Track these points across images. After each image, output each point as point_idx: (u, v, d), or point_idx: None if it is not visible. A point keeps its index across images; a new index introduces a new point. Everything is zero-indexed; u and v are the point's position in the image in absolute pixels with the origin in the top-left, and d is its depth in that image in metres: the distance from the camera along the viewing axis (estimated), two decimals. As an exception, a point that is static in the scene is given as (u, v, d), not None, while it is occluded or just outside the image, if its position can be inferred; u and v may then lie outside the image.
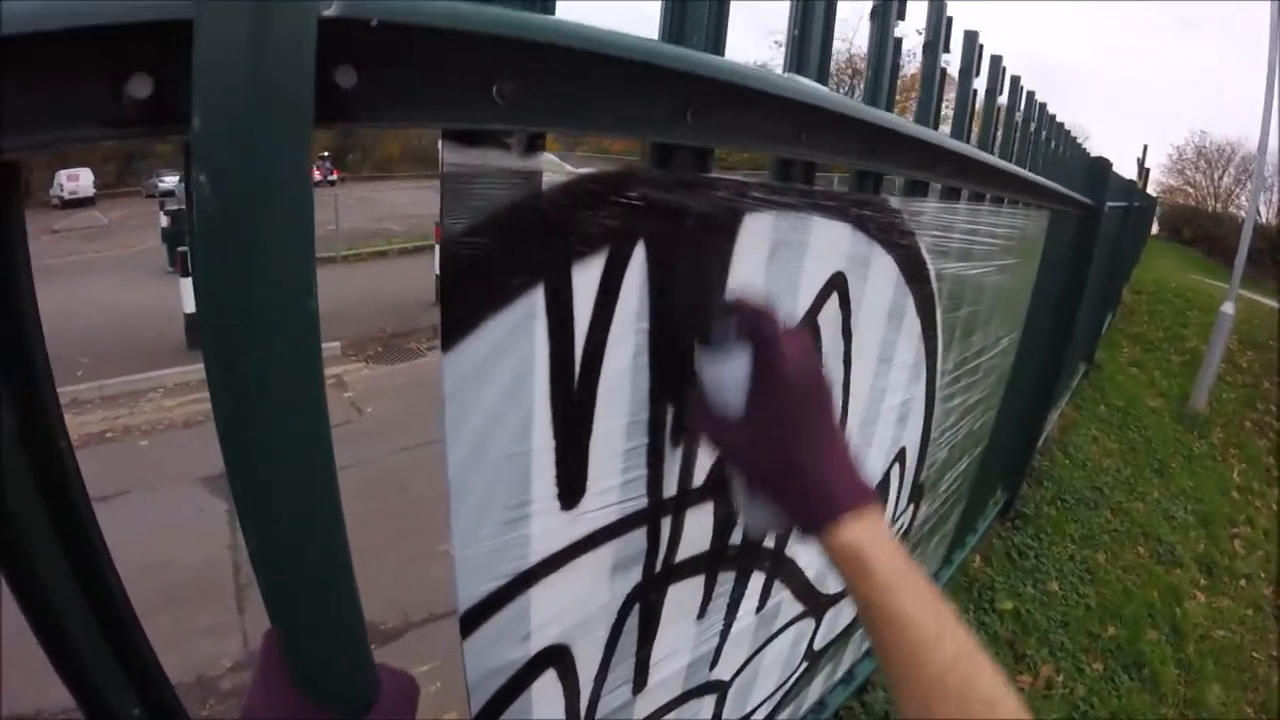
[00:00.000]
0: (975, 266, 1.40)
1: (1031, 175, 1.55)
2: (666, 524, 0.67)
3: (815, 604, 1.21)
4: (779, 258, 0.66)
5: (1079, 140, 2.54)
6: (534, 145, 0.44)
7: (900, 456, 1.33)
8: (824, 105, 0.62)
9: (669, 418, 0.61)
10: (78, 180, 19.10)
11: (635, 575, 0.67)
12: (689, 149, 0.54)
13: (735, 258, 0.61)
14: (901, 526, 1.54)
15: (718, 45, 0.55)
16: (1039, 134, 1.84)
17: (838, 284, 0.80)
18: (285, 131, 0.27)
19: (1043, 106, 1.84)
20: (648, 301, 0.54)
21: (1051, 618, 2.15)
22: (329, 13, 0.29)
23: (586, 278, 0.50)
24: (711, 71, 0.48)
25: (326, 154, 28.10)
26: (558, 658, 0.63)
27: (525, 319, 0.47)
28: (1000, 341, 1.87)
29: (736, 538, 0.82)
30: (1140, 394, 4.93)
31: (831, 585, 1.24)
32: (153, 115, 0.29)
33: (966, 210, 1.27)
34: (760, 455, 0.48)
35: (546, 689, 0.64)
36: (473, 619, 0.53)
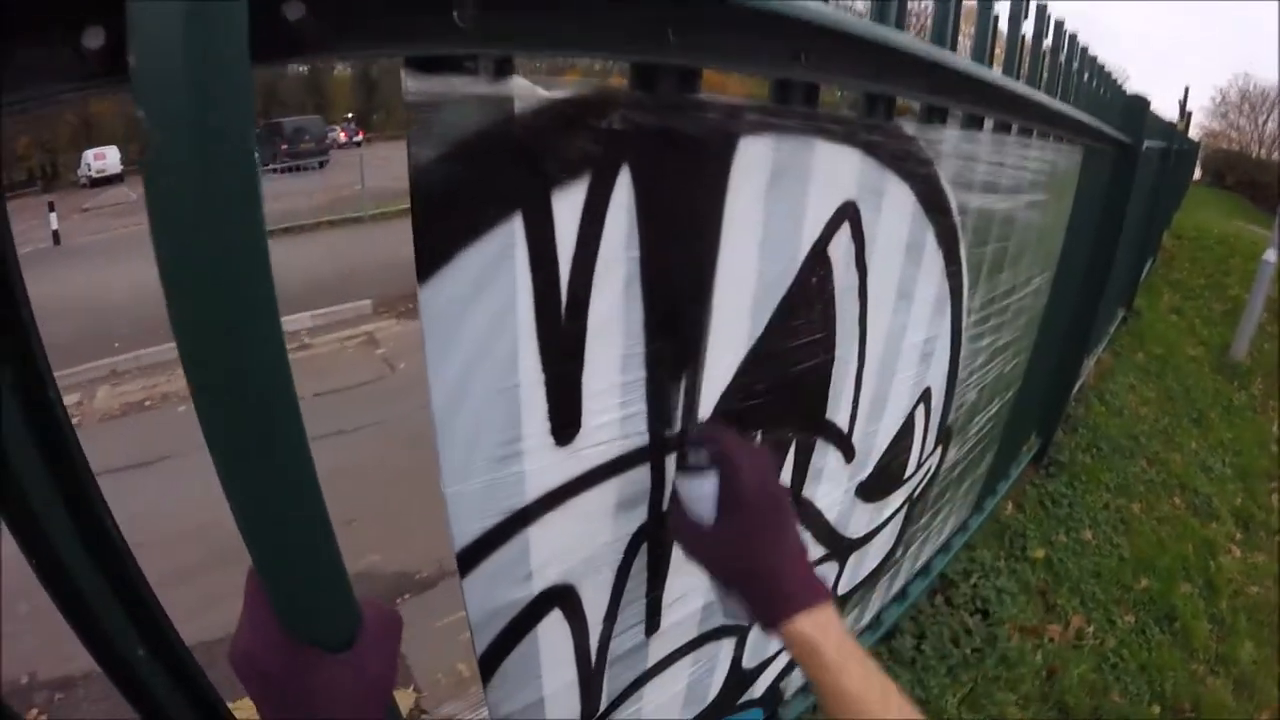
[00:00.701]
0: (1002, 200, 1.32)
1: (1061, 105, 1.45)
2: (671, 461, 0.66)
3: (838, 547, 1.20)
4: (781, 185, 0.63)
5: (1116, 79, 2.38)
6: (503, 69, 0.42)
7: (925, 397, 1.29)
8: (824, 23, 0.57)
9: (668, 351, 0.59)
10: (104, 159, 19.46)
11: (640, 514, 0.67)
12: (673, 70, 0.51)
13: (731, 185, 0.58)
14: (929, 470, 1.50)
15: None
16: (1069, 65, 1.72)
17: (849, 214, 0.76)
18: (222, 70, 0.26)
19: (1073, 36, 1.71)
20: (637, 230, 0.52)
21: (1084, 567, 2.11)
22: None
23: (568, 205, 0.48)
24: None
25: (351, 115, 28.08)
26: (563, 598, 0.64)
27: (504, 249, 0.46)
28: (1032, 282, 1.79)
29: None
30: (1180, 342, 4.74)
31: (854, 529, 1.23)
32: (109, 66, 0.28)
33: (991, 140, 1.20)
34: (727, 561, 0.56)
35: (553, 629, 0.64)
36: (469, 557, 0.53)
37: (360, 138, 24.18)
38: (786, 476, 0.90)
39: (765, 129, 0.59)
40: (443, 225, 0.43)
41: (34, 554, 0.43)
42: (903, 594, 1.86)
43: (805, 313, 0.75)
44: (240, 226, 0.28)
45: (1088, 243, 2.28)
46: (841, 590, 1.36)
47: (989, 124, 1.17)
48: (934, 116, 0.93)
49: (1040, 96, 1.35)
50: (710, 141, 0.54)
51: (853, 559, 1.32)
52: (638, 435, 0.61)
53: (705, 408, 0.67)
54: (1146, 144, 2.41)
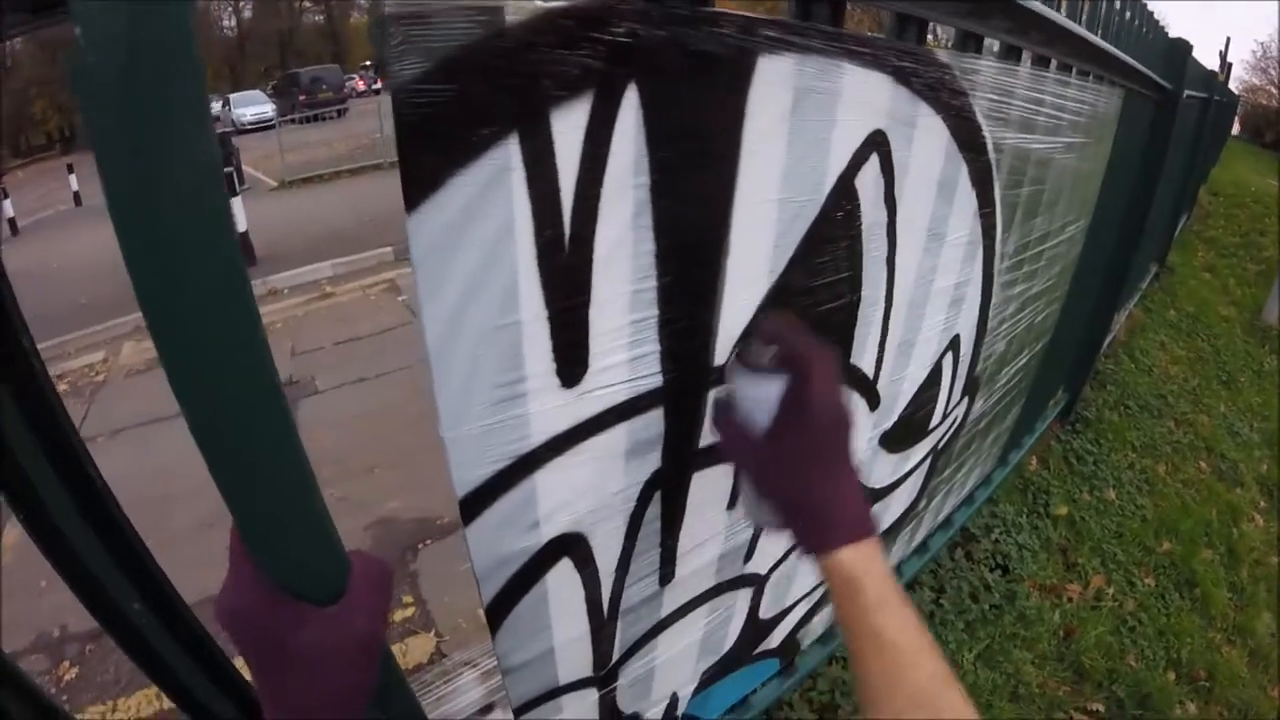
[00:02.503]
0: (1039, 140, 1.24)
1: (1100, 41, 1.34)
2: (686, 405, 0.63)
3: (859, 498, 1.19)
4: (804, 109, 0.58)
5: (1158, 21, 2.21)
6: None
7: (954, 344, 1.24)
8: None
9: (682, 286, 0.56)
10: None
11: (654, 460, 0.64)
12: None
13: (750, 107, 0.53)
14: (955, 421, 1.46)
15: None
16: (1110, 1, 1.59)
17: (878, 143, 0.70)
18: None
19: None
20: (646, 154, 0.48)
21: (1106, 527, 2.08)
22: None
23: (569, 127, 0.44)
24: None
25: (369, 63, 27.62)
26: (573, 547, 0.62)
27: (499, 174, 0.42)
28: (1066, 229, 1.70)
29: None
30: (1212, 301, 4.56)
31: (876, 479, 1.20)
32: None
33: (1029, 75, 1.11)
34: (777, 475, 0.52)
35: (563, 579, 0.63)
36: (472, 504, 0.51)
37: (379, 85, 23.84)
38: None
39: (787, 47, 0.53)
40: (430, 149, 0.39)
41: (24, 510, 0.42)
42: (924, 546, 1.85)
43: (830, 249, 0.71)
44: (190, 147, 0.26)
45: (1124, 192, 2.16)
46: (860, 544, 1.35)
47: (1026, 57, 1.09)
48: (969, 44, 0.85)
49: (1080, 30, 1.25)
50: (726, 59, 0.50)
51: (875, 510, 1.31)
52: (650, 376, 0.58)
53: (722, 348, 0.63)
54: (1187, 93, 2.25)
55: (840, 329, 0.82)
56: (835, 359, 0.51)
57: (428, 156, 0.39)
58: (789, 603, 1.23)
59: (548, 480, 0.55)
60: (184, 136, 0.25)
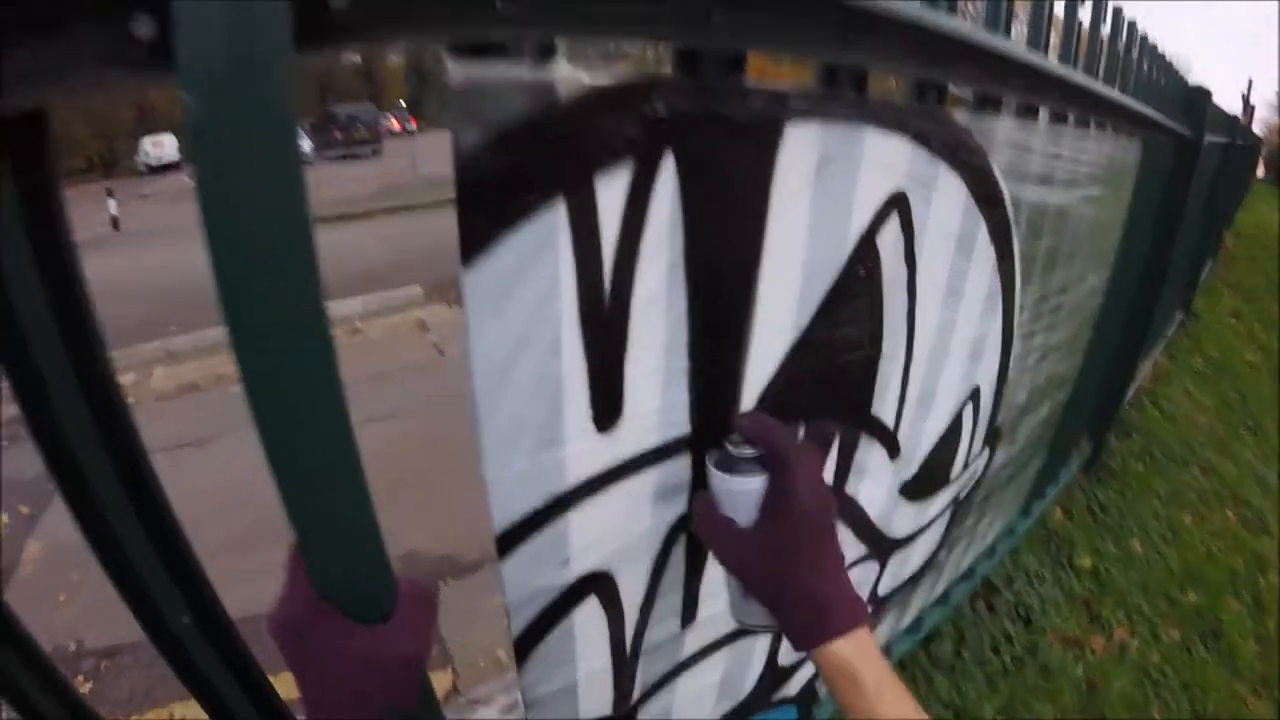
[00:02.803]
0: (1058, 194, 1.27)
1: (1118, 95, 1.38)
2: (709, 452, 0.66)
3: (879, 547, 1.17)
4: (828, 173, 0.62)
5: (1177, 69, 2.26)
6: (546, 54, 0.42)
7: (974, 396, 1.25)
8: (872, 6, 0.56)
9: (712, 339, 0.59)
10: (162, 147, 20.15)
11: (680, 504, 0.66)
12: (718, 54, 0.50)
13: (778, 172, 0.57)
14: (976, 472, 1.46)
15: None
16: (1128, 53, 1.64)
17: (898, 204, 0.74)
18: (264, 57, 0.27)
19: (1132, 24, 1.63)
20: (681, 217, 0.52)
21: (1131, 579, 2.03)
22: None
23: (611, 191, 0.48)
24: None
25: (404, 103, 28.67)
26: (601, 585, 0.64)
27: (548, 234, 0.46)
28: (1086, 279, 1.72)
29: None
30: (1238, 347, 4.50)
31: (897, 528, 1.20)
32: (159, 54, 0.29)
33: (1047, 131, 1.15)
34: (762, 569, 0.52)
35: (589, 616, 0.65)
36: (509, 540, 0.53)
37: (413, 125, 24.64)
38: (829, 472, 0.88)
39: (812, 115, 0.57)
40: (486, 210, 0.43)
41: (87, 523, 0.45)
42: (945, 597, 1.82)
43: (852, 304, 0.74)
44: (285, 205, 0.29)
45: (1145, 241, 2.17)
46: (883, 592, 1.33)
47: (1044, 114, 1.12)
48: (987, 105, 0.89)
49: (1097, 86, 1.30)
50: (756, 128, 0.54)
51: (895, 559, 1.29)
52: (680, 424, 0.61)
53: (749, 397, 0.66)
54: (1208, 138, 2.28)
55: (861, 380, 0.84)
56: (817, 453, 0.53)
57: (484, 217, 0.43)
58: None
59: (580, 520, 0.57)
60: (281, 194, 0.29)
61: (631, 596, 0.68)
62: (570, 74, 0.43)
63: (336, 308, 5.42)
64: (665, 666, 0.83)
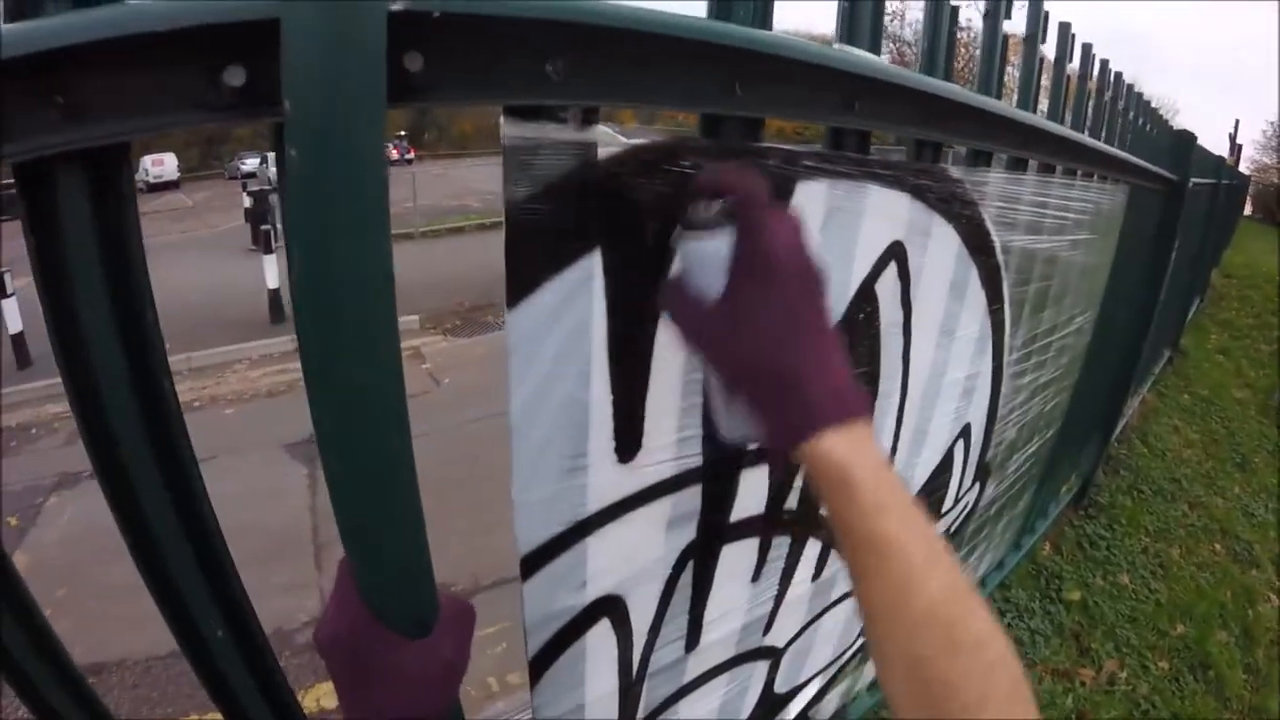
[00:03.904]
0: (1046, 240, 1.34)
1: (1104, 146, 1.46)
2: (721, 484, 0.69)
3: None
4: (833, 225, 0.67)
5: (1165, 113, 2.37)
6: (589, 118, 0.47)
7: (965, 433, 1.30)
8: (876, 75, 0.61)
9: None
10: (163, 165, 20.18)
11: (690, 532, 0.70)
12: (738, 119, 0.55)
13: (788, 223, 0.62)
14: (966, 506, 1.50)
15: (765, 20, 0.56)
16: (1114, 104, 1.73)
17: (896, 253, 0.79)
18: (361, 112, 0.32)
19: (1118, 75, 1.72)
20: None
21: (1120, 611, 2.07)
22: (396, 7, 0.33)
23: (641, 242, 0.52)
24: (756, 45, 0.50)
25: (403, 134, 29.02)
26: (613, 608, 0.67)
27: (584, 280, 0.50)
28: (1074, 320, 1.78)
29: (792, 503, 0.83)
30: (1226, 384, 4.61)
31: None
32: (247, 100, 0.34)
33: (1035, 182, 1.22)
34: (739, 348, 0.42)
35: (601, 637, 0.68)
36: (532, 563, 0.57)
37: (411, 155, 24.87)
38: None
39: (821, 173, 0.62)
40: (531, 257, 0.48)
41: (133, 535, 0.47)
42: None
43: (853, 345, 0.78)
44: (373, 243, 0.34)
45: (1132, 281, 2.25)
46: (873, 622, 1.36)
47: (1033, 165, 1.19)
48: (979, 160, 0.96)
49: (1084, 139, 1.37)
50: (771, 184, 0.58)
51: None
52: (693, 457, 0.64)
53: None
54: (1194, 180, 2.38)
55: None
56: (793, 213, 0.44)
57: (529, 263, 0.48)
58: (803, 678, 1.23)
59: (598, 545, 0.61)
60: (374, 237, 0.34)
61: (641, 620, 0.71)
62: (609, 135, 0.47)
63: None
64: (668, 690, 0.86)
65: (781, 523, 0.84)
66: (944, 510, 1.37)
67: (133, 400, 0.45)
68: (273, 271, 6.22)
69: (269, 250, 6.30)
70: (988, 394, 1.32)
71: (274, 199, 7.60)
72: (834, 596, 1.12)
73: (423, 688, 0.41)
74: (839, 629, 1.23)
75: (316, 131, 0.31)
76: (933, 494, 1.26)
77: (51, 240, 0.37)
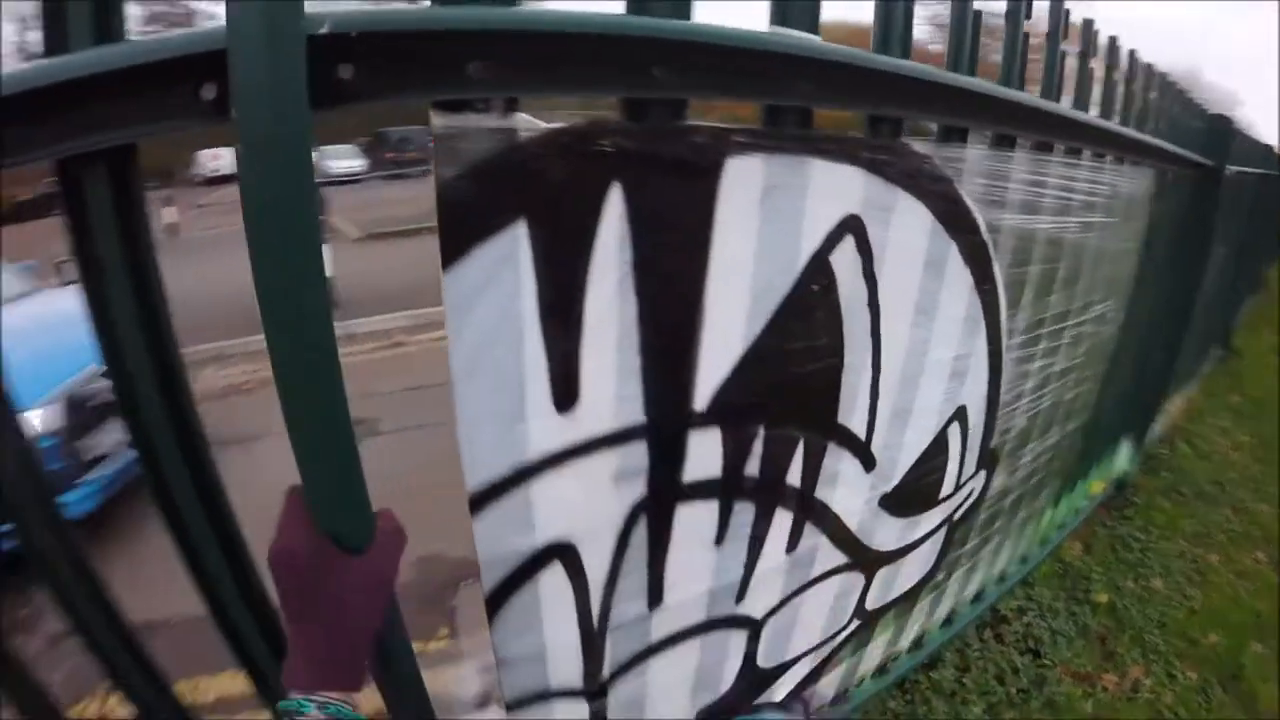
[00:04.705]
0: (1045, 220, 1.32)
1: (1105, 123, 1.41)
2: (666, 442, 0.74)
3: (862, 557, 1.21)
4: (774, 198, 0.70)
5: (1224, 106, 2.24)
6: (511, 106, 0.53)
7: (960, 416, 1.28)
8: (814, 55, 0.65)
9: (662, 342, 0.67)
10: (219, 159, 20.44)
11: (639, 488, 0.74)
12: (662, 101, 0.60)
13: (721, 198, 0.66)
14: (971, 493, 1.47)
15: (685, 12, 0.59)
16: (1130, 84, 1.66)
17: (852, 227, 0.81)
18: (289, 114, 0.41)
19: (1132, 53, 1.66)
20: (629, 236, 0.61)
21: (1149, 616, 1.99)
22: (323, 30, 0.42)
23: (564, 215, 0.58)
24: (666, 33, 0.55)
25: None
26: (565, 554, 0.72)
27: (511, 248, 0.56)
28: (1092, 307, 1.73)
29: (752, 469, 0.86)
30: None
31: (881, 541, 1.23)
32: (219, 109, 0.43)
33: (1029, 159, 1.20)
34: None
35: (555, 582, 0.73)
36: (479, 500, 0.63)
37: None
38: (795, 473, 0.94)
39: (754, 149, 0.66)
40: (461, 227, 0.54)
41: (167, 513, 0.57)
42: (949, 620, 1.82)
43: (808, 317, 0.81)
44: (300, 205, 0.42)
45: (1167, 272, 2.15)
46: (870, 605, 1.36)
47: (1022, 143, 1.17)
48: (952, 135, 0.96)
49: (1075, 114, 1.32)
50: (696, 161, 0.63)
51: (883, 574, 1.32)
52: (634, 414, 0.69)
53: (704, 394, 0.74)
54: (1232, 167, 2.26)
55: (824, 390, 0.91)
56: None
57: (459, 232, 0.54)
58: (790, 655, 1.25)
59: (543, 490, 0.66)
60: (302, 217, 0.41)
61: (595, 570, 0.76)
62: (528, 121, 0.53)
63: (380, 322, 5.70)
64: (635, 647, 0.90)
65: (742, 489, 0.87)
66: (943, 495, 1.36)
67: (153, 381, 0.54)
68: (327, 261, 6.53)
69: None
70: (984, 377, 1.31)
71: (324, 193, 7.98)
72: (815, 572, 1.14)
73: (361, 599, 0.48)
74: (826, 607, 1.24)
75: (256, 129, 0.40)
76: (926, 476, 1.26)
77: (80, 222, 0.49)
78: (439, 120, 0.50)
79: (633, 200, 0.60)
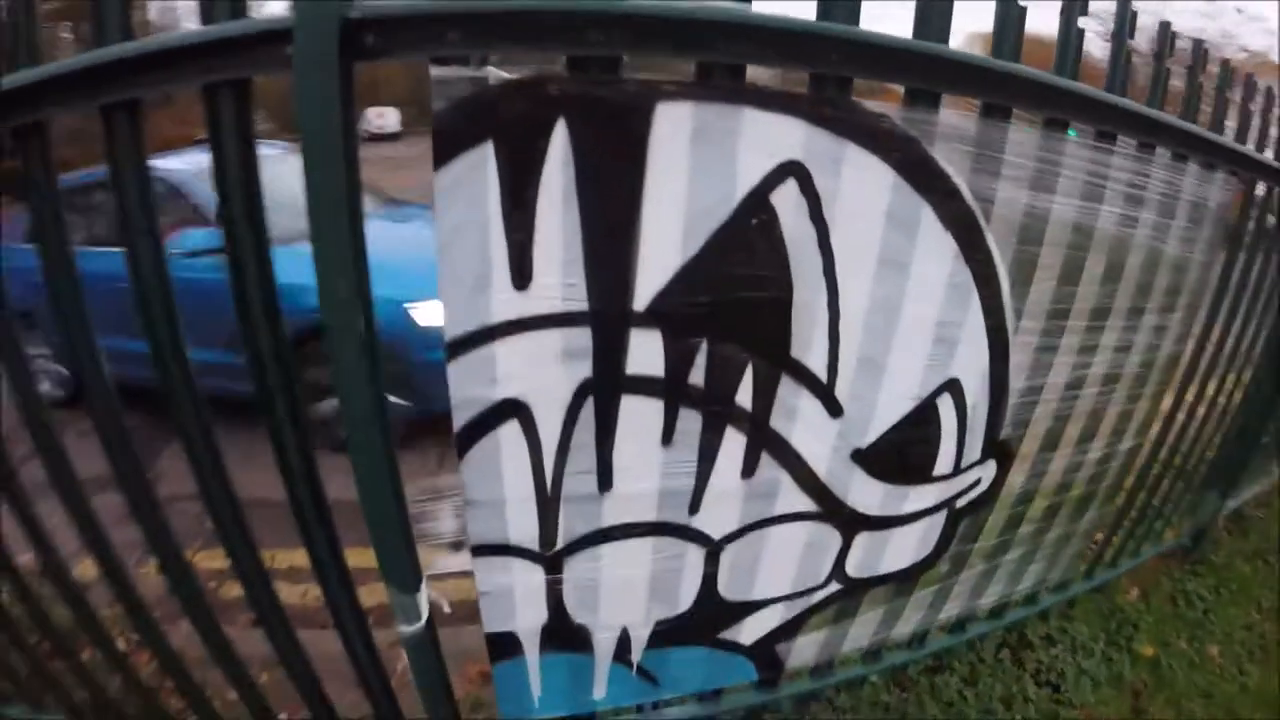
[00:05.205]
0: (1062, 203, 1.29)
1: (1129, 104, 1.32)
2: (607, 332, 0.91)
3: (834, 509, 1.26)
4: (704, 139, 0.86)
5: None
6: (484, 61, 0.76)
7: (953, 388, 1.28)
8: (740, 21, 0.81)
9: (601, 241, 0.85)
10: (384, 118, 21.40)
11: (585, 368, 0.92)
12: (596, 57, 0.80)
13: (653, 131, 0.83)
14: (978, 481, 1.44)
15: None
16: (1192, 76, 1.56)
17: (794, 171, 0.93)
18: (328, 66, 0.68)
19: (1200, 46, 1.57)
20: (572, 155, 0.81)
21: (1196, 682, 1.78)
22: (353, 15, 0.69)
23: (520, 138, 0.80)
24: (594, 10, 0.76)
25: None
26: (520, 412, 0.92)
27: (480, 160, 0.79)
28: (1145, 314, 1.63)
29: (696, 379, 1.00)
30: None
31: (859, 500, 1.27)
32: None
33: (1041, 137, 1.18)
34: None
35: (512, 436, 0.93)
36: (454, 349, 0.85)
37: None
38: (745, 394, 1.05)
39: (683, 96, 0.83)
40: (446, 142, 0.78)
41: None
42: (960, 627, 1.77)
43: (748, 246, 0.94)
44: (333, 145, 0.68)
45: (1258, 296, 1.96)
46: (852, 571, 1.38)
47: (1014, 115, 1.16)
48: (918, 99, 1.01)
49: (1084, 89, 1.23)
50: (628, 103, 0.81)
51: (865, 539, 1.34)
52: (578, 300, 0.88)
53: (643, 295, 0.90)
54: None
55: (771, 319, 1.02)
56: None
57: (446, 145, 0.78)
58: (757, 595, 1.32)
59: (503, 350, 0.87)
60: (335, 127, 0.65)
61: (548, 435, 0.95)
62: (496, 73, 0.76)
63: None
64: (587, 527, 1.06)
65: (687, 395, 1.00)
66: (937, 472, 1.36)
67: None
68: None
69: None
70: (983, 353, 1.29)
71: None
72: (780, 509, 1.21)
73: None
74: (797, 552, 1.29)
75: (307, 74, 0.69)
76: (912, 444, 1.28)
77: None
78: (435, 71, 0.75)
79: (574, 128, 0.80)
